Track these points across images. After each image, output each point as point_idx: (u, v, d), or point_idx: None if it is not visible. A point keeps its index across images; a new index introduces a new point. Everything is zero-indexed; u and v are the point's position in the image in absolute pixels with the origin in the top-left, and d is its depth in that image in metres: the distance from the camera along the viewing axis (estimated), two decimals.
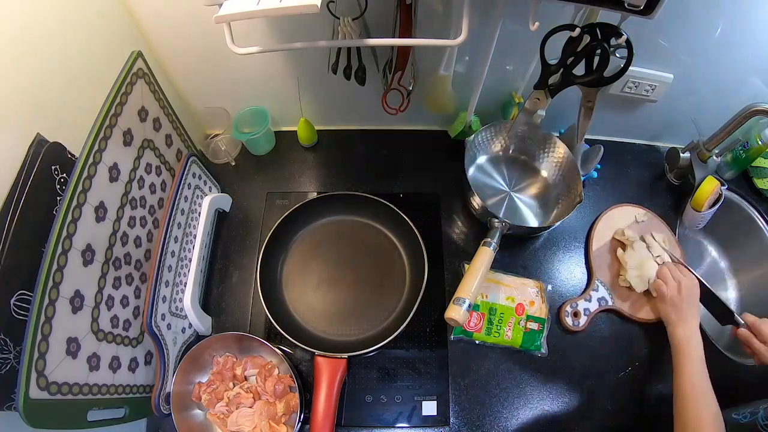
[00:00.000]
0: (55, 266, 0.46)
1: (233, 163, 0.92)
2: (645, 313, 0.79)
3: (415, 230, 0.78)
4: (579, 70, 0.61)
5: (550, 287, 0.81)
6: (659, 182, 0.95)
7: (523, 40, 0.71)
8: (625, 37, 0.56)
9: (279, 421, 0.67)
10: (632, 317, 0.79)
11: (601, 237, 0.86)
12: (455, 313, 0.66)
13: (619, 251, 0.84)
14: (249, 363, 0.72)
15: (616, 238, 0.87)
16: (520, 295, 0.78)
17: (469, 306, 0.67)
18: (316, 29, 0.67)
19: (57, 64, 0.54)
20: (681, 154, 0.91)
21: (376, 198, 0.82)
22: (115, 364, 0.57)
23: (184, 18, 0.69)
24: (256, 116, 0.89)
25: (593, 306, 0.79)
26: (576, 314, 0.78)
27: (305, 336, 0.75)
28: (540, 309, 0.77)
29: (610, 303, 0.80)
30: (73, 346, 0.49)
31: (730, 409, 0.63)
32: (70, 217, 0.48)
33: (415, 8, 0.63)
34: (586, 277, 0.84)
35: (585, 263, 0.85)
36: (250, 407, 0.68)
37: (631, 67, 0.57)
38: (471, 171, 0.88)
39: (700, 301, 0.76)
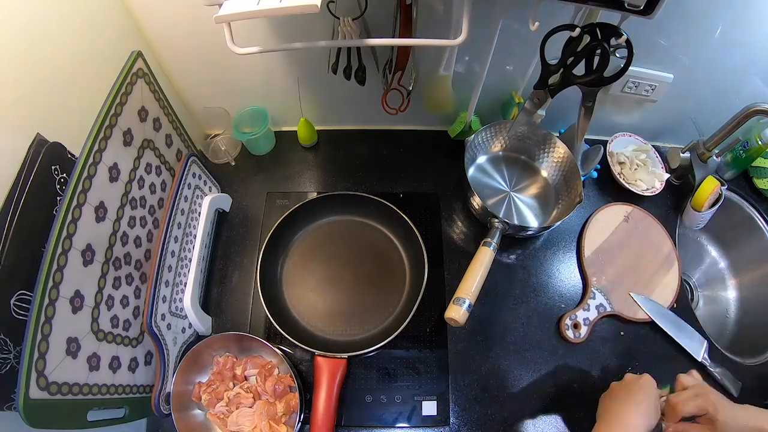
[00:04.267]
0: (55, 266, 0.46)
1: (233, 163, 0.93)
2: (644, 314, 0.79)
3: (415, 230, 0.78)
4: (579, 70, 0.61)
5: None
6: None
7: (523, 40, 0.71)
8: (625, 37, 0.56)
9: (279, 421, 0.67)
10: (632, 319, 0.79)
11: (592, 242, 0.85)
12: (455, 313, 0.66)
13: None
14: (249, 363, 0.72)
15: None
16: None
17: (469, 306, 0.67)
18: (316, 29, 0.67)
19: (57, 64, 0.54)
20: (681, 154, 0.91)
21: (376, 198, 0.82)
22: (115, 364, 0.57)
23: (184, 18, 0.69)
24: (256, 116, 0.89)
25: (592, 315, 0.78)
26: (576, 326, 0.77)
27: (305, 336, 0.75)
28: None
29: (609, 309, 0.79)
30: (73, 346, 0.49)
31: None
32: (70, 217, 0.48)
33: (416, 8, 0.63)
34: (581, 286, 0.83)
35: (579, 272, 0.84)
36: (250, 407, 0.68)
37: (631, 67, 0.57)
38: (471, 171, 0.88)
39: None
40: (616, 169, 0.90)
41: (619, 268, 0.83)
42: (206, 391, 0.69)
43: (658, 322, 0.78)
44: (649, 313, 0.78)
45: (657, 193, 0.89)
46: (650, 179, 0.90)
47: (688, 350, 0.76)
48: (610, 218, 0.87)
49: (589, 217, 0.88)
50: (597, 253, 0.84)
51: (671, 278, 0.82)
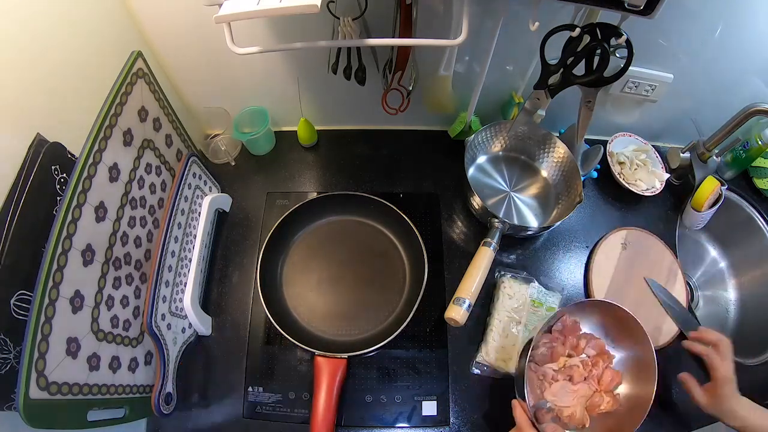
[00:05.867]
0: (55, 266, 0.46)
1: (233, 163, 0.93)
2: (663, 337, 0.77)
3: (415, 230, 0.78)
4: (579, 70, 0.61)
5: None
6: None
7: (523, 40, 0.71)
8: (625, 37, 0.56)
9: (594, 412, 0.65)
10: (657, 348, 0.76)
11: (600, 289, 0.81)
12: (455, 313, 0.66)
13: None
14: (592, 342, 0.68)
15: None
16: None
17: (469, 306, 0.67)
18: (316, 29, 0.67)
19: (57, 64, 0.54)
20: (681, 154, 0.91)
21: (376, 198, 0.82)
22: (115, 364, 0.57)
23: (184, 18, 0.69)
24: (256, 116, 0.89)
25: None
26: None
27: (305, 336, 0.75)
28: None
29: None
30: (73, 346, 0.49)
31: None
32: (70, 217, 0.48)
33: (416, 8, 0.63)
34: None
35: None
36: (573, 384, 0.65)
37: (631, 67, 0.57)
38: (471, 171, 0.88)
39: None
40: (616, 169, 0.90)
41: (631, 302, 0.78)
42: (546, 344, 0.66)
43: (668, 312, 0.77)
44: (661, 299, 0.78)
45: (657, 193, 0.89)
46: (650, 179, 0.90)
47: None
48: (610, 252, 0.84)
49: (589, 259, 0.84)
50: (614, 289, 0.81)
51: (678, 289, 0.82)
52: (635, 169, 0.91)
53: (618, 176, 0.90)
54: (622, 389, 0.68)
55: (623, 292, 0.81)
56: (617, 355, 0.70)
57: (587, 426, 0.64)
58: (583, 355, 0.69)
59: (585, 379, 0.67)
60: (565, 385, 0.66)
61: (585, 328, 0.71)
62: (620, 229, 0.87)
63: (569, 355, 0.68)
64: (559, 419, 0.65)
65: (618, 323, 0.69)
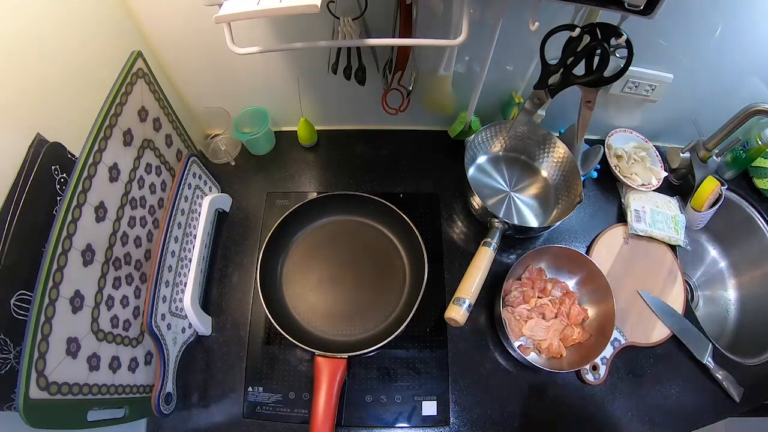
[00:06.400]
0: (55, 266, 0.46)
1: (233, 163, 0.93)
2: (657, 336, 0.78)
3: (415, 230, 0.78)
4: (579, 70, 0.61)
5: None
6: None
7: (523, 40, 0.71)
8: (625, 37, 0.56)
9: (568, 344, 0.73)
10: (646, 345, 0.77)
11: None
12: (455, 313, 0.66)
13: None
14: (557, 286, 0.78)
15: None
16: None
17: (469, 306, 0.67)
18: (316, 29, 0.67)
19: (57, 64, 0.54)
20: (681, 154, 0.91)
21: (376, 198, 0.82)
22: (115, 364, 0.57)
23: (184, 18, 0.69)
24: (256, 116, 0.89)
25: (608, 351, 0.75)
26: (594, 367, 0.75)
27: (305, 336, 0.75)
28: None
29: (623, 341, 0.77)
30: (73, 346, 0.49)
31: None
32: (70, 217, 0.48)
33: (416, 8, 0.63)
34: None
35: None
36: (545, 320, 0.74)
37: (631, 67, 0.57)
38: (471, 171, 0.88)
39: None
40: (612, 161, 0.90)
41: (627, 295, 0.81)
42: (518, 288, 0.77)
43: (663, 322, 0.78)
44: (656, 311, 0.78)
45: (652, 189, 0.88)
46: (647, 175, 0.89)
47: (693, 352, 0.76)
48: (611, 244, 0.85)
49: (590, 247, 0.85)
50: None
51: (677, 291, 0.82)
52: (632, 163, 0.91)
53: (614, 168, 0.89)
54: (590, 323, 0.76)
55: (620, 285, 0.82)
56: (576, 288, 0.80)
57: (564, 356, 0.74)
58: (552, 296, 0.77)
59: (556, 315, 0.75)
60: (539, 322, 0.75)
61: (549, 273, 0.82)
62: (623, 225, 0.87)
63: (539, 297, 0.77)
64: (539, 352, 0.74)
65: (571, 261, 0.79)
